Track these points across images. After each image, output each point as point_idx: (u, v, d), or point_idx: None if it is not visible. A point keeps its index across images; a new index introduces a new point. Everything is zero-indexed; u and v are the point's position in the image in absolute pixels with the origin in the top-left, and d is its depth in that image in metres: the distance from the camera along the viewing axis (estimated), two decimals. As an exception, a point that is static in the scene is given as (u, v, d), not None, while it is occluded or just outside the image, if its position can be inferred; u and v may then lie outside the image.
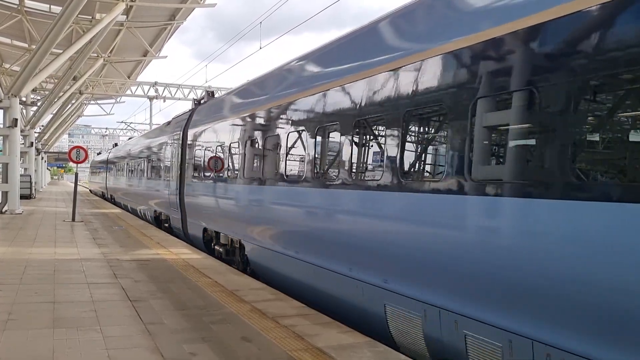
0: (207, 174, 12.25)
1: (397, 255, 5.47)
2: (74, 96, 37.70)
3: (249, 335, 5.44)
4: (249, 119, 10.09)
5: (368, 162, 6.35)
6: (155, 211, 18.21)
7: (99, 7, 22.28)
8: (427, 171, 5.56)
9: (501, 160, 4.59)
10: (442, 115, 5.13)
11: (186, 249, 11.81)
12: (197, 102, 15.53)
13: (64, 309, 6.26)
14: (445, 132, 5.03)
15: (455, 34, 4.90)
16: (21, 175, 24.13)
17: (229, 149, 10.85)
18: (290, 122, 8.12)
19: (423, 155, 5.62)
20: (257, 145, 9.49)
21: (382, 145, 5.86)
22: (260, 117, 9.53)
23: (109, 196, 35.87)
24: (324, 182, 6.94)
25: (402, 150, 5.47)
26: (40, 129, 41.85)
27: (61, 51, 21.87)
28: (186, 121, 14.89)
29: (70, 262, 9.67)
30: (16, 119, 20.14)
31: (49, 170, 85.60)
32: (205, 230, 12.20)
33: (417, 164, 5.67)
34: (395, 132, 5.54)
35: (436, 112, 5.26)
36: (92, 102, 49.87)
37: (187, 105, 44.30)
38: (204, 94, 15.69)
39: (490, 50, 4.46)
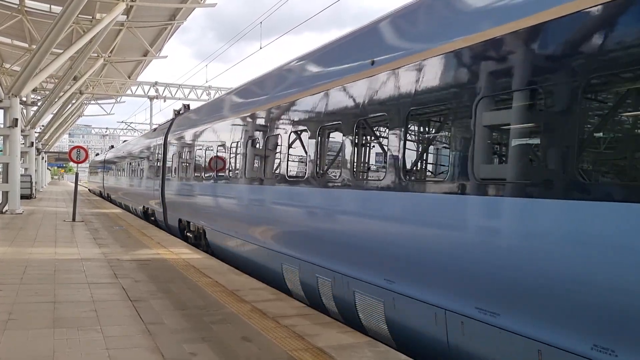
0: (181, 174, 14.91)
1: (292, 232, 7.98)
2: (74, 96, 37.72)
3: (249, 335, 5.45)
4: (208, 128, 12.72)
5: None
6: (143, 206, 20.77)
7: (100, 7, 22.28)
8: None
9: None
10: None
11: (186, 249, 11.82)
12: (177, 113, 17.88)
13: (64, 309, 6.27)
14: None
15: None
16: (21, 175, 24.16)
17: (196, 153, 13.33)
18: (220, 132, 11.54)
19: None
20: (211, 150, 12.09)
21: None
22: (214, 127, 12.18)
23: (106, 195, 37.35)
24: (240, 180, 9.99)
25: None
26: (40, 128, 41.86)
27: (61, 51, 21.87)
28: (167, 129, 17.47)
29: (71, 262, 9.67)
30: (16, 119, 20.14)
31: (50, 170, 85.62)
32: (180, 220, 14.73)
33: None
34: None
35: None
36: (92, 102, 49.88)
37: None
38: (181, 107, 18.07)
39: (490, 51, 4.47)
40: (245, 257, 9.80)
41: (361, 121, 6.15)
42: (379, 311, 5.68)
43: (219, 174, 11.39)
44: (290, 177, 7.93)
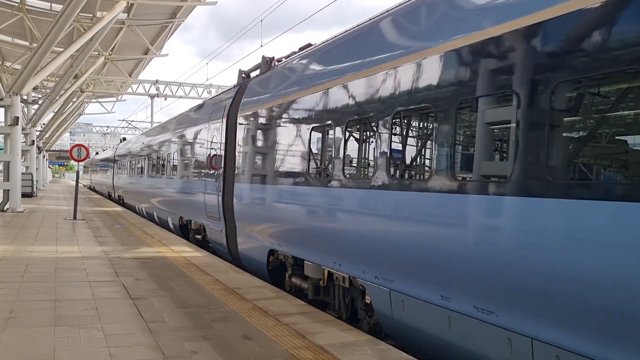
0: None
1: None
2: (75, 94, 37.73)
3: (250, 333, 5.45)
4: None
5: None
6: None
7: (100, 5, 22.26)
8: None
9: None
10: None
11: (187, 247, 11.82)
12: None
13: (65, 307, 6.27)
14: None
15: None
16: (22, 174, 24.20)
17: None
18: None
19: None
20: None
21: None
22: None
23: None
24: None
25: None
26: (41, 127, 41.85)
27: (62, 49, 21.87)
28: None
29: (72, 260, 9.68)
30: (17, 117, 20.16)
31: (51, 168, 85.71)
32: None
33: None
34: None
35: None
36: (93, 100, 49.83)
37: (189, 104, 44.22)
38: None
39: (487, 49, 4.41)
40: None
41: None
42: None
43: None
44: None
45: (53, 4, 23.65)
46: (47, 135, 46.23)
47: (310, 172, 7.30)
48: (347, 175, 6.46)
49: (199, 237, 13.09)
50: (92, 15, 23.37)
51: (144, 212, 21.07)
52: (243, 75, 11.63)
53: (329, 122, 6.82)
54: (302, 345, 5.09)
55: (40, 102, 32.35)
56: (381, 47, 6.23)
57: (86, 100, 46.96)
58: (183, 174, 14.57)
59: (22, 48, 29.52)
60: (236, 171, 10.12)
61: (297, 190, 7.74)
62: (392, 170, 5.64)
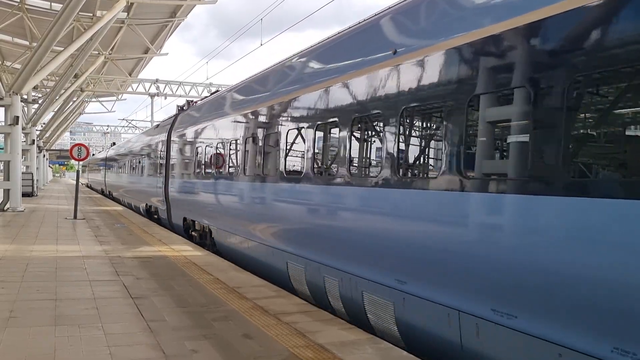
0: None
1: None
2: (75, 94, 37.72)
3: (250, 332, 5.44)
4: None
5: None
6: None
7: (100, 4, 22.25)
8: None
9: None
10: None
11: (188, 246, 11.82)
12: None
13: (65, 307, 6.27)
14: None
15: None
16: (23, 173, 24.21)
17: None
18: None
19: None
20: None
21: None
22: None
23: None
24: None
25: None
26: (41, 126, 41.85)
27: (62, 49, 21.85)
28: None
29: (72, 259, 9.68)
30: (17, 117, 20.15)
31: (51, 167, 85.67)
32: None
33: None
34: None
35: None
36: (93, 99, 49.87)
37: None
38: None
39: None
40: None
41: None
42: None
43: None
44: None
45: (53, 3, 23.64)
46: (47, 135, 46.22)
47: (195, 172, 13.35)
48: (204, 171, 12.63)
49: (156, 216, 18.78)
50: (92, 14, 23.36)
51: (126, 202, 26.92)
52: (180, 107, 17.79)
53: (208, 143, 12.36)
54: (302, 344, 5.09)
55: (40, 102, 32.35)
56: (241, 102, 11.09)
57: (86, 99, 46.98)
58: (147, 173, 20.70)
59: (22, 47, 29.51)
60: (170, 170, 16.24)
61: (192, 182, 13.60)
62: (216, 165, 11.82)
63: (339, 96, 6.54)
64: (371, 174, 6.06)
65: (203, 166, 12.69)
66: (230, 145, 10.77)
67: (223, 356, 4.70)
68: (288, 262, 7.74)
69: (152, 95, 44.77)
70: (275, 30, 31.33)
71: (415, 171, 5.61)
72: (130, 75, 38.89)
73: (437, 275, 4.87)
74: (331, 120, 6.68)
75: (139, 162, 22.79)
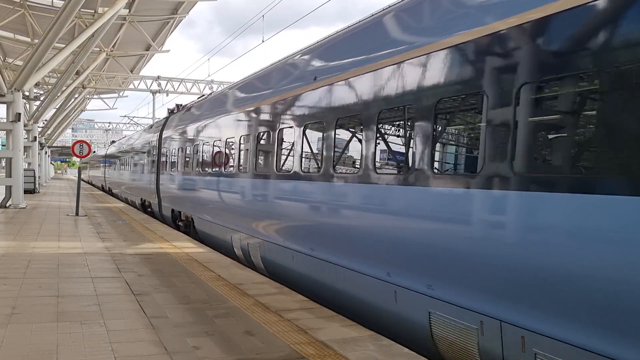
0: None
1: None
2: (77, 90, 37.73)
3: (252, 329, 5.45)
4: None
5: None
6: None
7: (102, 1, 22.24)
8: None
9: None
10: None
11: (190, 243, 11.83)
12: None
13: (67, 303, 6.28)
14: None
15: None
16: (25, 170, 24.19)
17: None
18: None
19: None
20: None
21: None
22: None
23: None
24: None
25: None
26: (43, 123, 41.89)
27: (64, 45, 21.83)
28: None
29: (74, 256, 9.69)
30: (19, 114, 20.14)
31: (53, 164, 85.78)
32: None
33: None
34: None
35: None
36: (95, 96, 49.88)
37: (190, 100, 44.38)
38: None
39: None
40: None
41: None
42: None
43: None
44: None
45: (54, 0, 23.63)
46: (49, 132, 46.22)
47: (179, 169, 15.51)
48: (184, 168, 14.96)
49: (149, 209, 20.70)
50: (93, 11, 23.34)
51: (123, 197, 29.41)
52: (171, 110, 19.54)
53: (190, 143, 14.57)
54: (304, 340, 5.09)
55: (42, 99, 32.36)
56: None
57: (88, 96, 47.00)
58: (141, 170, 22.83)
59: (24, 44, 29.50)
60: (161, 168, 18.38)
61: (179, 177, 15.55)
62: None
63: (267, 115, 9.30)
64: (259, 171, 9.36)
65: (184, 164, 14.96)
66: (203, 146, 13.14)
67: (225, 352, 4.70)
68: (232, 236, 10.64)
69: (153, 92, 44.76)
70: (278, 27, 31.30)
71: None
72: (131, 72, 38.84)
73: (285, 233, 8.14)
74: (264, 130, 9.30)
75: (135, 160, 25.10)
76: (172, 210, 16.29)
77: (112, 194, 34.49)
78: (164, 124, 19.21)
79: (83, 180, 45.77)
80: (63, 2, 18.12)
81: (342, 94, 6.65)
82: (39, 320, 5.56)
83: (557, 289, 3.71)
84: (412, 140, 5.27)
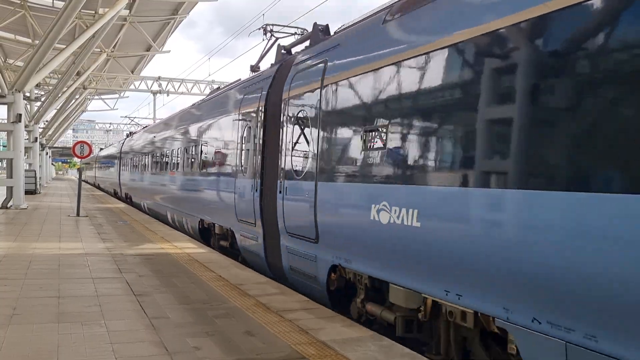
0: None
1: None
2: (78, 91, 37.72)
3: (252, 329, 5.45)
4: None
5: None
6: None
7: (102, 1, 22.25)
8: None
9: None
10: None
11: (190, 243, 11.83)
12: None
13: (68, 304, 6.28)
14: None
15: None
16: (26, 171, 24.20)
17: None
18: None
19: None
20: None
21: None
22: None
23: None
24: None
25: None
26: (44, 124, 41.90)
27: (64, 46, 21.85)
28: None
29: (75, 256, 9.70)
30: (20, 114, 20.17)
31: (54, 165, 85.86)
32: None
33: None
34: None
35: None
36: (95, 97, 49.89)
37: (190, 100, 44.22)
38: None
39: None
40: None
41: None
42: None
43: None
44: None
45: (55, 1, 23.64)
46: (50, 132, 46.27)
47: (130, 169, 26.37)
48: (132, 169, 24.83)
49: (121, 196, 27.21)
50: (94, 12, 23.36)
51: (101, 186, 35.96)
52: (127, 134, 21.50)
53: (136, 154, 25.42)
54: (305, 341, 5.09)
55: (42, 99, 32.37)
56: None
57: (89, 97, 47.00)
58: (111, 170, 29.94)
59: (24, 45, 29.51)
60: (122, 168, 29.91)
61: (129, 175, 26.50)
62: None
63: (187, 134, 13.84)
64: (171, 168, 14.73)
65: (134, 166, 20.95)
66: (144, 157, 19.02)
67: (225, 353, 4.70)
68: (167, 212, 15.87)
69: (154, 93, 44.78)
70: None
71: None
72: (132, 72, 38.87)
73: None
74: (193, 141, 13.20)
75: (110, 163, 32.23)
76: (128, 196, 22.75)
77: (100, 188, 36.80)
78: (123, 142, 26.64)
79: (86, 182, 46.26)
80: (64, 3, 18.15)
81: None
82: (39, 320, 5.56)
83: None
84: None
